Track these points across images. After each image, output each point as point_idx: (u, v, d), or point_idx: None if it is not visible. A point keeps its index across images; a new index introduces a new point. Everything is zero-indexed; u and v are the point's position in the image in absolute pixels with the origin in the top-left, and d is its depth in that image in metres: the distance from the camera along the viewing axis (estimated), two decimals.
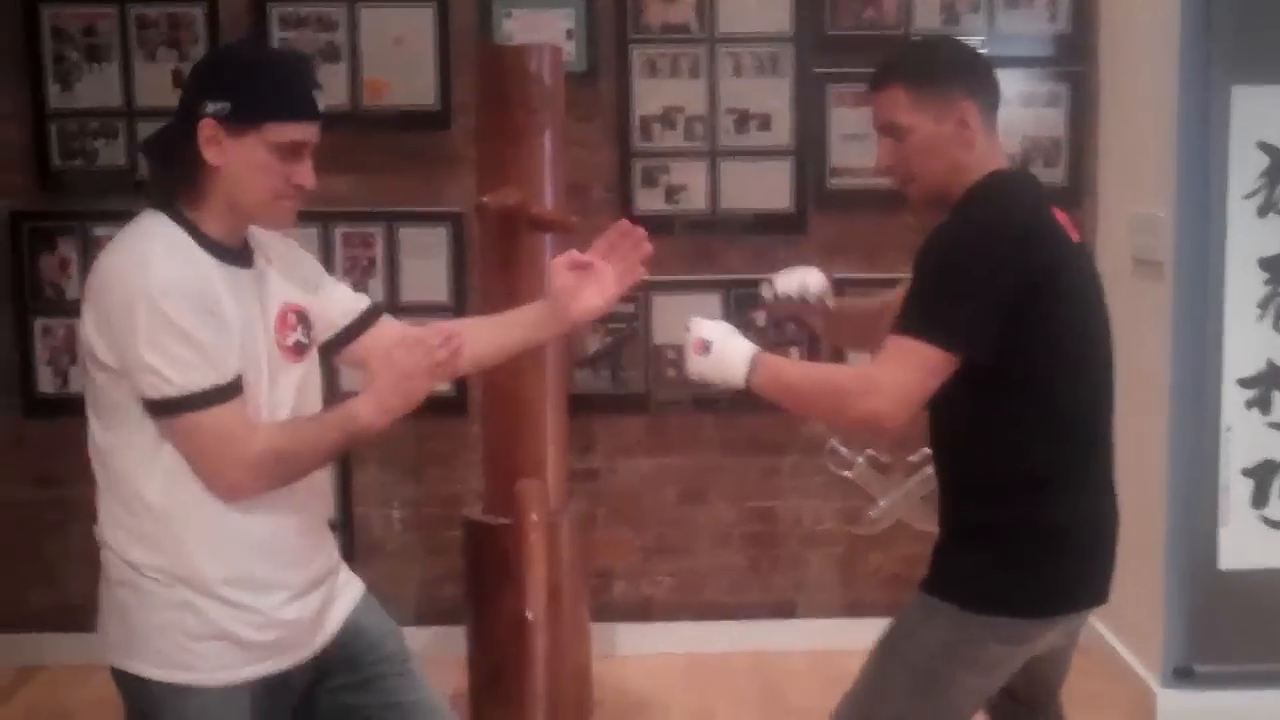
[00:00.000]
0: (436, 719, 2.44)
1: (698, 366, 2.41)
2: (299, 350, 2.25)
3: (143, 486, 2.11)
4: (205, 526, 2.12)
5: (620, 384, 4.37)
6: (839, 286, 3.97)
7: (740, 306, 4.28)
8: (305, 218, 4.16)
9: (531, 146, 3.71)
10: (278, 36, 4.22)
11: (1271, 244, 3.73)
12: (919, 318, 2.25)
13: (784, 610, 4.46)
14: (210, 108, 2.07)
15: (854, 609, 4.45)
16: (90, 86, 4.22)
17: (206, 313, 2.04)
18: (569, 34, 4.24)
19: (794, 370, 2.43)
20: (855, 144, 4.31)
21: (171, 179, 2.13)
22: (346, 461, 4.31)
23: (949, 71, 2.41)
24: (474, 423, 4.23)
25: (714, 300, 4.31)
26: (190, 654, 2.14)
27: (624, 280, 2.46)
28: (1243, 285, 3.75)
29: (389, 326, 2.44)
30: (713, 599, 4.48)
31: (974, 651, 2.35)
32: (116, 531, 2.16)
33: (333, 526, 2.41)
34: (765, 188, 4.32)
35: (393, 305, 4.26)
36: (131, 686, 2.18)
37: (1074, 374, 2.36)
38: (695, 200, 4.33)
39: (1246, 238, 3.73)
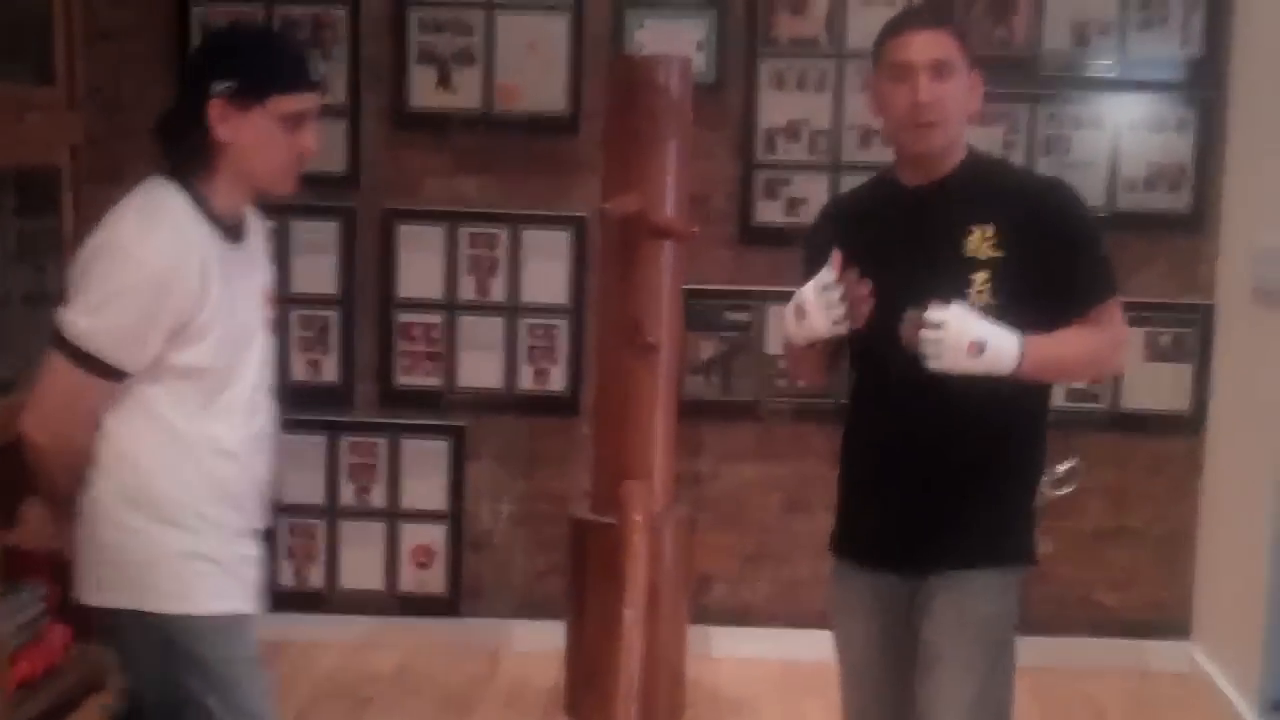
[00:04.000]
0: None
1: (964, 364, 2.37)
2: (270, 325, 2.48)
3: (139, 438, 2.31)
4: (191, 471, 2.33)
5: (730, 391, 4.43)
6: None
7: None
8: (431, 217, 4.35)
9: (656, 155, 3.78)
10: (416, 39, 4.34)
11: None
12: (1111, 281, 2.52)
13: None
14: (217, 87, 2.24)
15: None
16: None
17: (170, 299, 2.21)
18: (699, 45, 4.30)
19: (1054, 347, 2.46)
20: None
21: (181, 155, 2.30)
22: (459, 454, 4.43)
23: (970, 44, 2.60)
24: (585, 423, 4.32)
25: None
26: (183, 584, 2.34)
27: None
28: None
29: None
30: (810, 608, 4.49)
31: (1018, 606, 2.58)
32: (110, 475, 2.33)
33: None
34: None
35: (514, 304, 4.38)
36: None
37: None
38: (815, 213, 4.35)
39: None
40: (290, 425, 4.41)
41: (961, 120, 2.53)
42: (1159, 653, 4.41)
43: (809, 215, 4.33)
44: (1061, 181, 2.67)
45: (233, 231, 2.33)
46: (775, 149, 4.36)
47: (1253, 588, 3.88)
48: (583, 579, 3.94)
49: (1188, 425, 4.33)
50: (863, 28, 4.29)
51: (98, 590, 2.35)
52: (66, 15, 3.77)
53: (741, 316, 4.38)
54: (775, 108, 4.35)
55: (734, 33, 4.34)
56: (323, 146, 4.20)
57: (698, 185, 4.10)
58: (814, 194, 4.35)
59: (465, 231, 4.38)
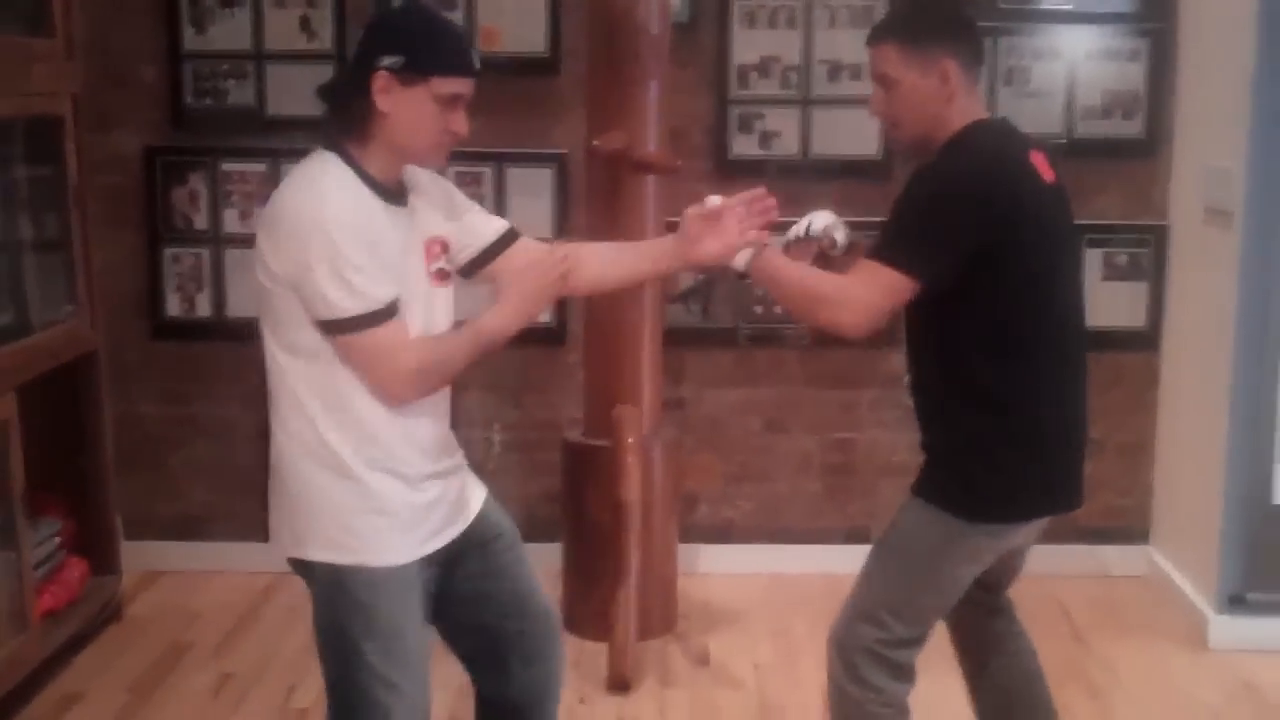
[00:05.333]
0: (544, 604, 2.77)
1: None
2: (443, 276, 2.55)
3: (311, 387, 2.40)
4: (364, 422, 2.40)
5: (710, 319, 4.60)
6: None
7: None
8: None
9: (638, 93, 3.93)
10: None
11: None
12: (889, 246, 2.56)
13: (858, 536, 4.62)
14: (385, 61, 2.35)
15: None
16: (223, 30, 4.47)
17: (369, 244, 2.33)
18: None
19: (786, 270, 2.66)
20: None
21: (343, 122, 2.42)
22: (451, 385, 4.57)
23: (935, 32, 2.67)
24: (571, 352, 4.49)
25: None
26: (356, 536, 2.41)
27: (745, 236, 2.62)
28: None
29: (525, 248, 2.70)
30: (791, 524, 4.71)
31: (964, 547, 2.66)
32: (292, 433, 2.42)
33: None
34: (854, 136, 4.47)
35: None
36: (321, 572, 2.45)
37: (1041, 301, 2.61)
38: (787, 146, 4.52)
39: None
40: None
41: (920, 119, 2.66)
42: (1120, 557, 4.66)
43: (782, 149, 4.52)
44: (934, 166, 2.63)
45: (391, 194, 2.43)
46: (748, 85, 4.51)
47: (1209, 492, 4.12)
48: (578, 500, 4.12)
49: (1145, 340, 4.54)
50: None
51: (290, 543, 2.46)
52: None
53: None
54: (747, 45, 4.49)
55: None
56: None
57: (675, 121, 4.24)
58: (786, 128, 4.51)
59: (451, 170, 4.48)
